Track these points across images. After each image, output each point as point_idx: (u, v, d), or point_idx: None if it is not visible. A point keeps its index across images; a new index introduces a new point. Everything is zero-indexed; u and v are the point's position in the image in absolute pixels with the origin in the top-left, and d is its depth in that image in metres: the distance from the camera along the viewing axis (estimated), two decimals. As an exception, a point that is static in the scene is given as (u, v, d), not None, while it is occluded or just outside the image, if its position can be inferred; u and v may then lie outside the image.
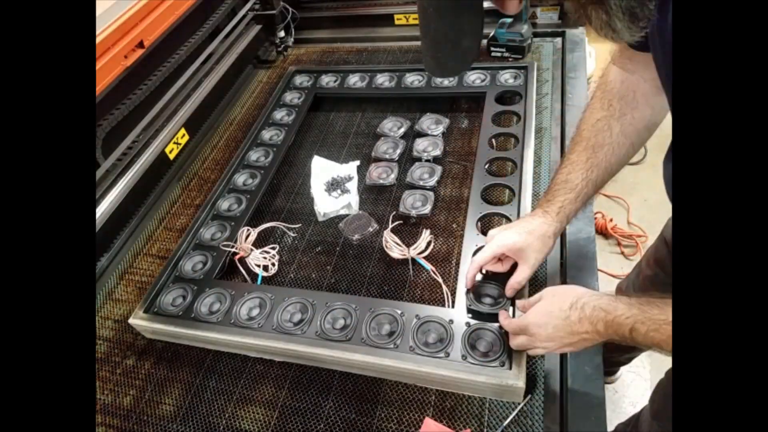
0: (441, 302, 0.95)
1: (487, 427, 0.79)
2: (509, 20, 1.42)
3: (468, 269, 0.91)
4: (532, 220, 0.86)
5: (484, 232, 1.00)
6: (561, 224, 0.85)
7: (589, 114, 0.85)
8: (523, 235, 0.84)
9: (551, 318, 0.72)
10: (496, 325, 0.85)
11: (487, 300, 0.89)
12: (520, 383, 0.77)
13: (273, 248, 1.09)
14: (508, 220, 1.02)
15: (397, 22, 1.76)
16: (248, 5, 1.68)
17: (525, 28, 1.43)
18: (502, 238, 0.86)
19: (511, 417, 0.79)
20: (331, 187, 1.22)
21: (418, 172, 1.20)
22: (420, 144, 1.26)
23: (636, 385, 1.78)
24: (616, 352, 1.58)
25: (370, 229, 1.09)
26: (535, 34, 1.58)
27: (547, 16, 1.59)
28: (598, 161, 0.83)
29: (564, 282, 0.93)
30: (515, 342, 0.79)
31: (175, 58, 1.36)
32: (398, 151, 1.27)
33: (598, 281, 0.92)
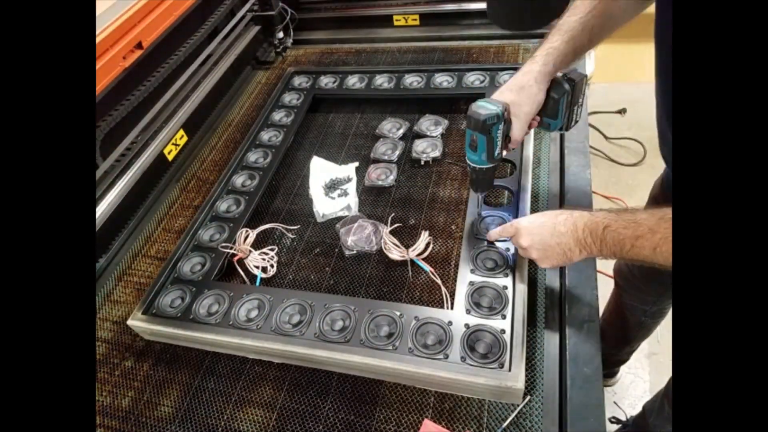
0: (440, 304, 0.95)
1: (486, 428, 0.79)
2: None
3: None
4: (521, 76, 0.87)
5: (484, 233, 1.00)
6: (546, 67, 0.84)
7: None
8: (513, 94, 0.86)
9: (540, 220, 0.81)
10: (495, 326, 0.85)
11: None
12: (519, 385, 0.77)
13: (272, 249, 1.09)
14: (505, 221, 1.02)
15: (396, 23, 1.77)
16: (247, 6, 1.68)
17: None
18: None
19: (510, 418, 0.79)
20: (330, 188, 1.22)
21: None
22: (419, 145, 1.26)
23: (635, 386, 1.78)
24: (615, 348, 1.59)
25: (367, 248, 1.08)
26: (535, 35, 1.59)
27: (546, 17, 1.59)
28: (600, 9, 0.81)
29: (562, 284, 0.93)
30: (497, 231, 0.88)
31: (173, 59, 1.36)
32: (397, 153, 1.27)
33: (596, 281, 0.92)
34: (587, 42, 0.83)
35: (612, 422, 1.64)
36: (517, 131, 0.87)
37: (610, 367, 1.72)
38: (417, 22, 1.75)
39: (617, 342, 1.56)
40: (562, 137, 1.21)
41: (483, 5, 1.67)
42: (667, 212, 0.64)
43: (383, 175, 1.22)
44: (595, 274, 0.93)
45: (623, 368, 1.80)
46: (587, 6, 0.82)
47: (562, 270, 0.96)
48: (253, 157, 1.31)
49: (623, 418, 1.63)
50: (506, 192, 1.11)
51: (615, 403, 1.71)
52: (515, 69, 1.37)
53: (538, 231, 0.80)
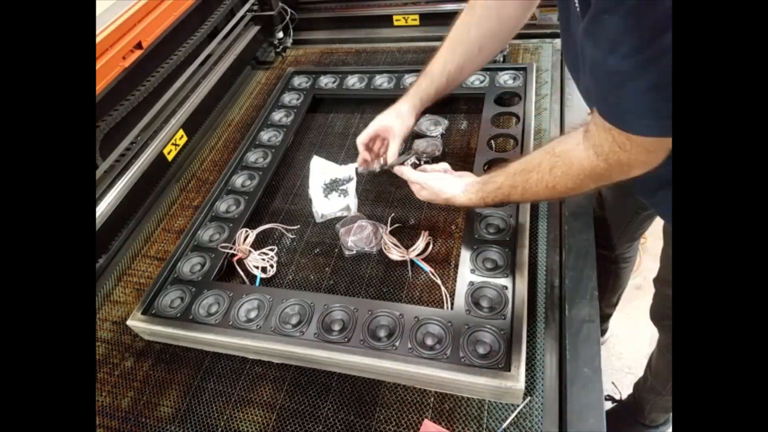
0: (440, 304, 0.95)
1: (486, 428, 0.79)
2: None
3: (362, 134, 1.11)
4: (398, 104, 1.09)
5: (483, 233, 1.00)
6: (418, 102, 1.07)
7: (458, 17, 1.02)
8: (391, 117, 1.07)
9: (433, 198, 1.00)
10: (495, 326, 0.85)
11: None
12: (519, 385, 0.77)
13: (271, 250, 1.09)
14: (505, 221, 1.02)
15: (395, 23, 1.76)
16: (246, 6, 1.68)
17: None
18: (376, 122, 1.09)
19: (510, 419, 0.79)
20: (330, 188, 1.22)
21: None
22: (419, 145, 1.26)
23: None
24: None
25: (367, 249, 1.08)
26: (535, 35, 1.59)
27: (546, 17, 1.59)
28: (454, 57, 1.02)
29: (561, 283, 0.93)
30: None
31: (173, 59, 1.36)
32: (397, 153, 1.27)
33: (596, 281, 0.92)
34: (445, 85, 1.05)
35: (606, 399, 1.66)
36: (393, 147, 1.07)
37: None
38: (417, 22, 1.74)
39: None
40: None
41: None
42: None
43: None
44: (595, 273, 0.93)
45: (623, 368, 1.81)
46: (446, 55, 1.02)
47: (561, 270, 0.96)
48: (252, 157, 1.31)
49: (617, 398, 1.66)
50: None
51: (613, 383, 1.73)
52: (515, 69, 1.38)
53: (430, 194, 0.99)
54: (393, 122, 1.07)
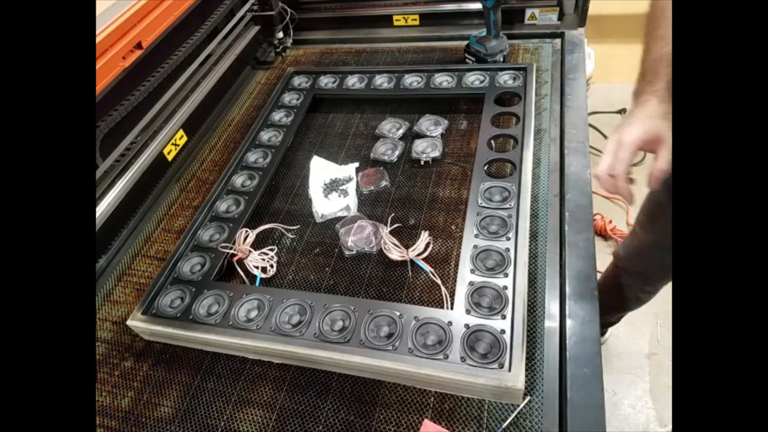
0: (440, 304, 0.95)
1: (486, 428, 0.79)
2: (484, 33, 1.47)
3: (619, 159, 0.82)
4: (648, 108, 0.82)
5: (483, 234, 1.00)
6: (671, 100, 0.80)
7: None
8: (656, 122, 0.80)
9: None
10: (495, 326, 0.85)
11: None
12: (519, 385, 0.77)
13: (271, 250, 1.09)
14: (505, 221, 1.02)
15: (395, 23, 1.77)
16: (246, 6, 1.68)
17: (493, 43, 1.45)
18: (638, 130, 0.81)
19: (510, 419, 0.79)
20: (330, 188, 1.22)
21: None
22: (419, 145, 1.26)
23: (635, 386, 1.78)
24: (606, 313, 1.67)
25: (367, 249, 1.08)
26: (535, 35, 1.59)
27: (546, 17, 1.59)
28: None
29: (562, 284, 0.93)
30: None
31: (173, 59, 1.36)
32: (397, 153, 1.27)
33: (596, 282, 0.92)
34: None
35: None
36: (667, 158, 0.78)
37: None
38: (417, 22, 1.75)
39: (610, 309, 1.66)
40: (562, 137, 1.21)
41: (473, 5, 1.67)
42: None
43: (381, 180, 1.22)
44: (595, 274, 0.93)
45: (623, 368, 1.81)
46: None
47: (562, 270, 0.96)
48: (252, 157, 1.31)
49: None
50: (506, 192, 1.11)
51: None
52: (514, 69, 1.38)
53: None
54: (663, 127, 0.80)
